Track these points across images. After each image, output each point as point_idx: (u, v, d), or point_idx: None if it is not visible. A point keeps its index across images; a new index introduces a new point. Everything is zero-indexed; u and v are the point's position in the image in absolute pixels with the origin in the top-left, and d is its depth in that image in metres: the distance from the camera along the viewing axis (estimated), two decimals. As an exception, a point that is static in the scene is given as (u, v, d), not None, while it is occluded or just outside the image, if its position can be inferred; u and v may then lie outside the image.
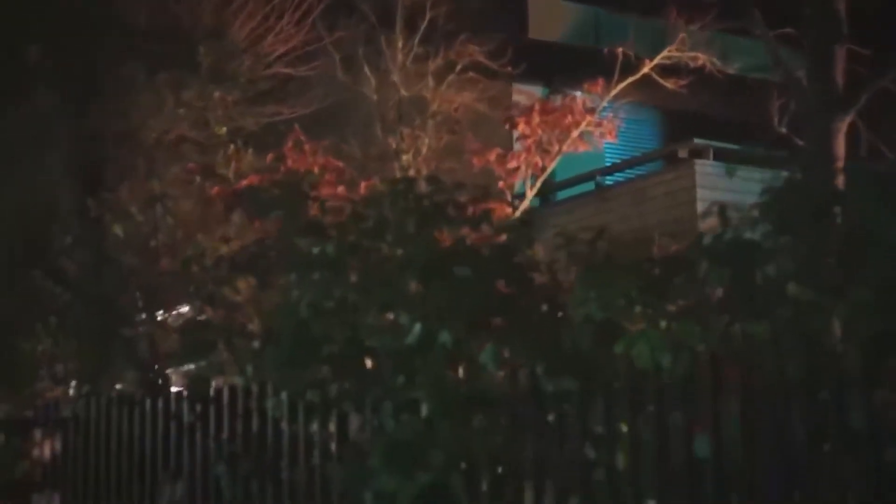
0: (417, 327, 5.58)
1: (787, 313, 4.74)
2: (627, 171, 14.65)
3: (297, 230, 6.20)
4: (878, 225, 4.79)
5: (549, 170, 11.40)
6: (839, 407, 4.47)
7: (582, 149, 11.63)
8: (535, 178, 11.34)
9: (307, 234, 6.10)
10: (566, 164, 13.40)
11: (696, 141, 13.08)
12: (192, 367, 7.55)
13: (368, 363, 5.95)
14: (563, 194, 14.56)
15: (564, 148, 11.27)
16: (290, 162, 9.90)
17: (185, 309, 8.70)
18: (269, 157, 10.30)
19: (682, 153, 13.07)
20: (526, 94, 12.66)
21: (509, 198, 10.61)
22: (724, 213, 5.04)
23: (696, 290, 5.12)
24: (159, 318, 9.32)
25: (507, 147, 11.34)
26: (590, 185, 14.19)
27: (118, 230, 9.69)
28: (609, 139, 11.88)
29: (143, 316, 9.24)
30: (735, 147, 13.60)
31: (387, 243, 5.92)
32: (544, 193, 13.99)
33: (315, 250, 5.98)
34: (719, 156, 12.83)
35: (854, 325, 4.65)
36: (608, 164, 14.95)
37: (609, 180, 14.40)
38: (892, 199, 4.89)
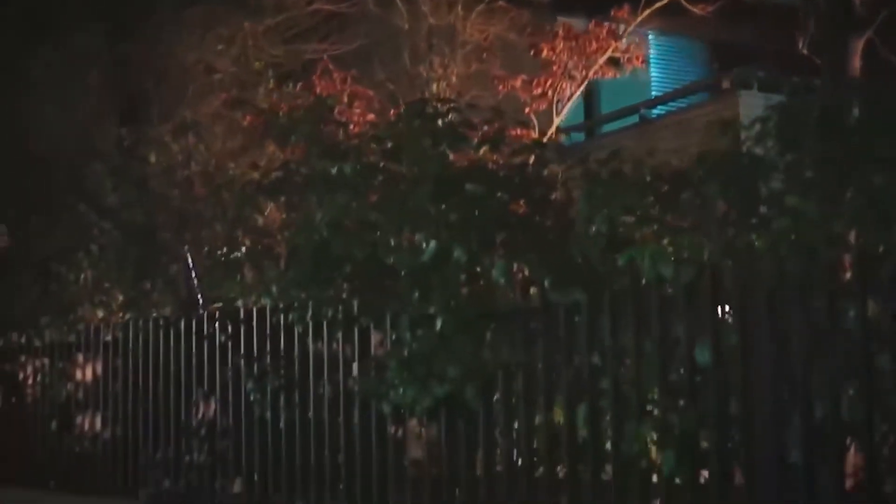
0: (433, 245, 5.76)
1: (786, 224, 4.87)
2: (672, 103, 14.62)
3: (318, 153, 6.39)
4: (879, 139, 4.90)
5: (575, 96, 11.46)
6: (833, 315, 4.61)
7: (609, 75, 11.67)
8: (562, 103, 11.39)
9: (327, 156, 6.28)
10: (611, 97, 13.40)
11: (741, 71, 13.04)
12: (223, 289, 7.80)
13: (387, 281, 6.14)
14: (608, 127, 14.59)
15: (590, 74, 11.32)
16: (318, 90, 10.05)
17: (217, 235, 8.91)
18: (299, 86, 10.46)
19: (727, 84, 13.04)
20: (556, 23, 12.67)
21: (535, 123, 10.69)
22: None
23: (701, 205, 5.25)
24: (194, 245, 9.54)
25: (536, 75, 11.41)
26: (634, 118, 14.20)
27: (153, 160, 9.92)
28: (637, 65, 11.88)
29: (179, 243, 9.47)
30: (778, 76, 13.54)
31: (403, 164, 6.09)
32: (590, 127, 14.08)
33: (334, 171, 6.16)
34: (764, 86, 12.79)
35: (849, 236, 4.78)
36: (653, 97, 14.95)
37: (654, 113, 14.40)
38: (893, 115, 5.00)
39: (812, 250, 4.73)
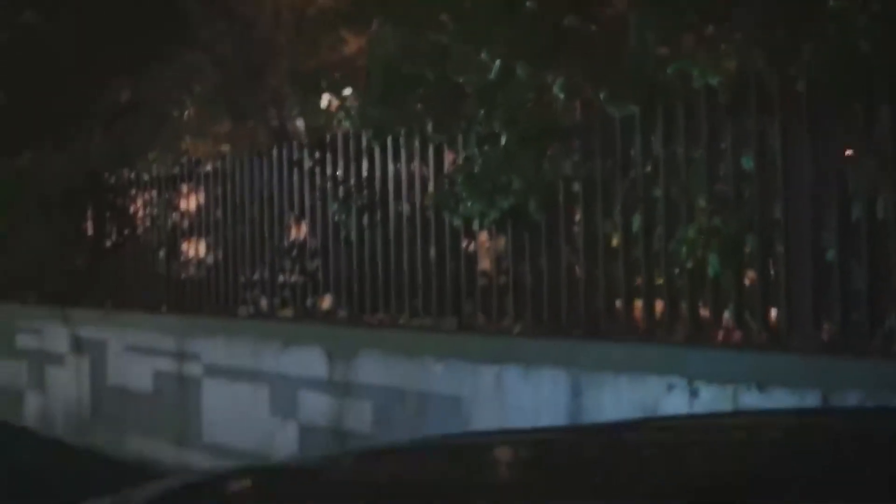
0: (497, 63, 6.01)
1: (831, 30, 4.99)
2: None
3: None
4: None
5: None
6: (869, 120, 4.77)
7: None
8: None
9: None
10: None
11: None
12: (310, 116, 8.15)
13: (457, 100, 6.42)
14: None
15: None
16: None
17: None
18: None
19: None
20: None
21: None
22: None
23: (750, 14, 5.37)
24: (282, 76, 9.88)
25: None
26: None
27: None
28: None
29: (269, 74, 9.81)
30: None
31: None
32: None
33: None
34: None
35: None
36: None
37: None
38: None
39: (853, 55, 4.86)
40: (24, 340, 11.27)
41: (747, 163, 5.18)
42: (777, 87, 5.07)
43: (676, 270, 5.46)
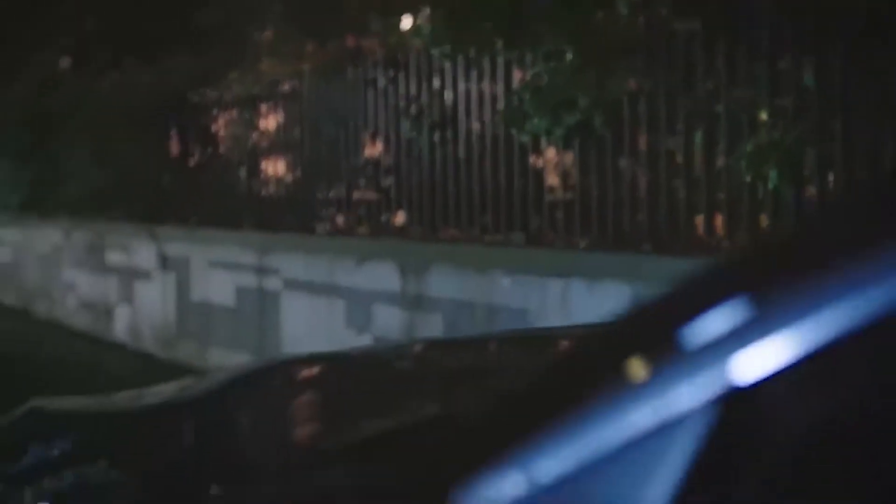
0: (563, -20, 6.08)
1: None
2: None
3: None
4: None
5: None
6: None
7: None
8: None
9: None
10: None
11: None
12: (384, 38, 8.26)
13: (523, 18, 6.50)
14: None
15: None
16: None
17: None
18: None
19: None
20: None
21: None
22: None
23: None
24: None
25: None
26: None
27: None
28: None
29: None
30: None
31: None
32: None
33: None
34: None
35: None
36: None
37: None
38: None
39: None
40: (113, 257, 11.66)
41: (808, 80, 5.22)
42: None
43: (737, 185, 5.53)
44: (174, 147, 11.24)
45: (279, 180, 9.68)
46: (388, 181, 8.09)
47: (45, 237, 13.29)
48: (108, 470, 1.63)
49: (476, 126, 7.18)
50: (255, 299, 9.24)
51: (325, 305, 8.29)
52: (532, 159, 6.81)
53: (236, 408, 1.90)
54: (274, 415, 1.89)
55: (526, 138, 6.62)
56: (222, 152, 10.61)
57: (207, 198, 10.55)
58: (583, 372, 1.17)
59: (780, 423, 1.00)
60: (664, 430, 0.98)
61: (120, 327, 11.54)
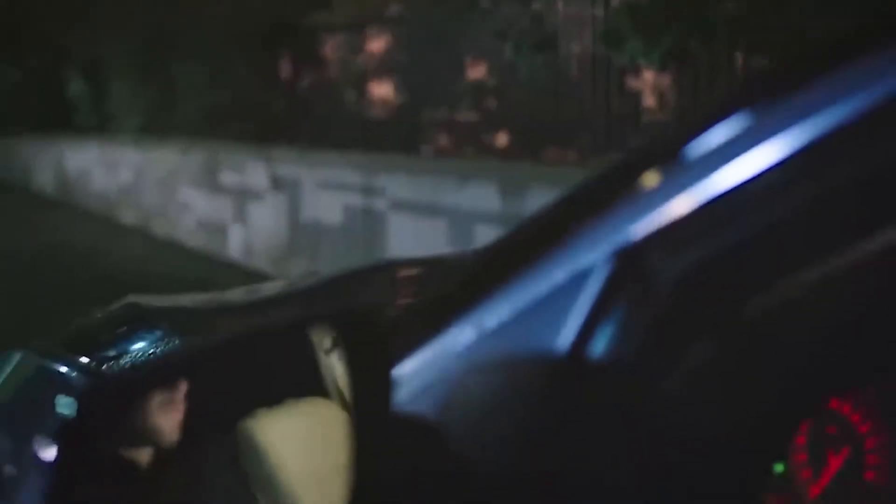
0: None
1: None
2: None
3: None
4: None
5: None
6: None
7: None
8: None
9: None
10: None
11: None
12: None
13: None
14: None
15: None
16: None
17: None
18: None
19: None
20: None
21: None
22: None
23: None
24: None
25: None
26: None
27: None
28: None
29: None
30: None
31: None
32: None
33: None
34: None
35: None
36: None
37: None
38: None
39: None
40: (227, 177, 12.02)
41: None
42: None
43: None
44: (285, 70, 11.51)
45: (385, 103, 9.88)
46: (490, 103, 8.23)
47: (162, 158, 13.73)
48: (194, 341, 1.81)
49: (575, 48, 7.28)
50: (361, 218, 9.50)
51: (428, 224, 8.50)
52: (630, 81, 6.89)
53: (343, 296, 2.04)
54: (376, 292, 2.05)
55: (624, 60, 6.70)
56: (331, 76, 10.83)
57: (316, 120, 10.81)
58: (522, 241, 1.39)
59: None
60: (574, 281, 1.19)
61: (234, 246, 11.92)
